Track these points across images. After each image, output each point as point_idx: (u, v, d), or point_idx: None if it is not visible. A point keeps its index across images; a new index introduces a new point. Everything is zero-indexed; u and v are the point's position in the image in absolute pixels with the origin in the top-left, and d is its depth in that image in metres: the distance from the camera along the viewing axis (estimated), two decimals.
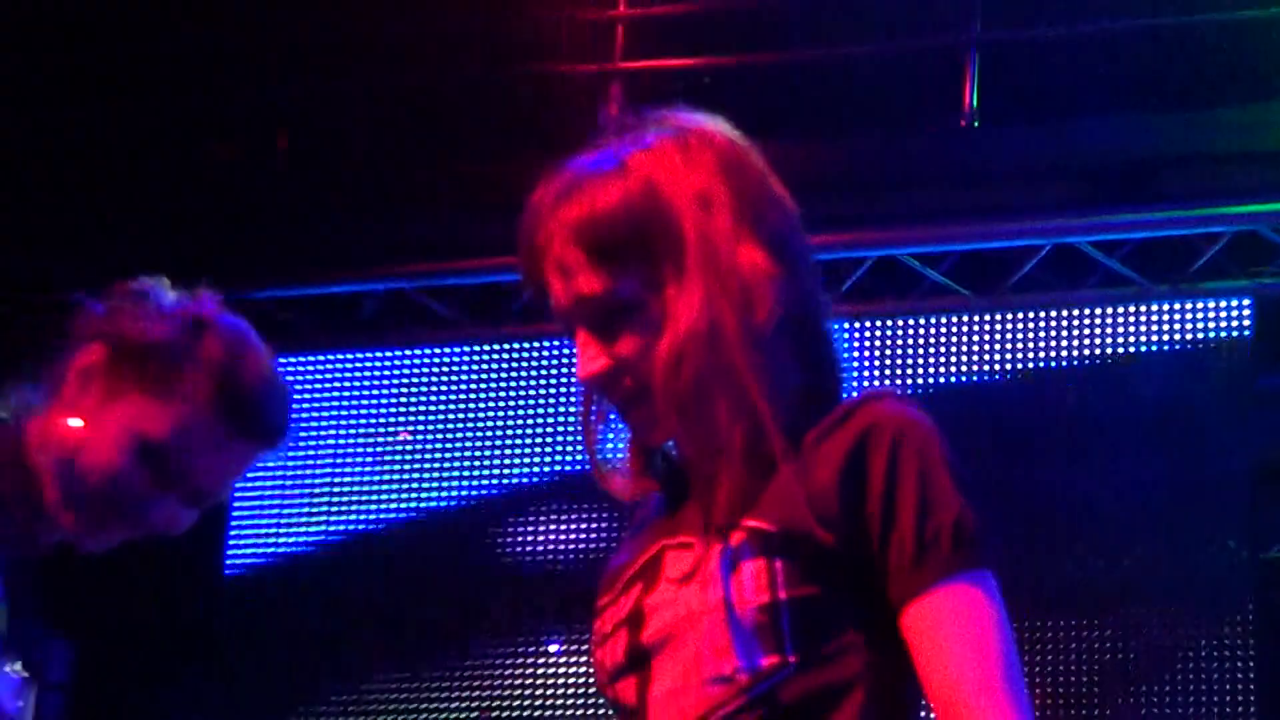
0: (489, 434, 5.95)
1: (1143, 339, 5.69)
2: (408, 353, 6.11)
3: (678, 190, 2.09)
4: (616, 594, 2.18)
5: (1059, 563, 5.47)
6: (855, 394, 2.14)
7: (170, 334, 2.58)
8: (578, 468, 5.56)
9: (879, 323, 5.88)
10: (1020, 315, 5.80)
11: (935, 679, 1.99)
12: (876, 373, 5.88)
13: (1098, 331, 5.71)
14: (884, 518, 2.02)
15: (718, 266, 2.08)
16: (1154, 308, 5.68)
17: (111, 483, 2.54)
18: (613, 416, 2.16)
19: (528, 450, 5.92)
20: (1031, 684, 4.75)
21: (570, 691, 5.77)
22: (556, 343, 5.93)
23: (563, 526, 5.95)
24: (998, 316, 5.81)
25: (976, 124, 5.65)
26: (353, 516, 6.05)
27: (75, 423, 2.58)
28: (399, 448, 6.03)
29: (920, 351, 5.88)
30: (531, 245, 2.11)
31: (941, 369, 5.84)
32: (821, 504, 2.03)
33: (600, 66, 5.87)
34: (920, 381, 5.85)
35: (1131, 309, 5.69)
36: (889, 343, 5.91)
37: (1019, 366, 5.83)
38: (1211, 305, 5.62)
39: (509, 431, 5.93)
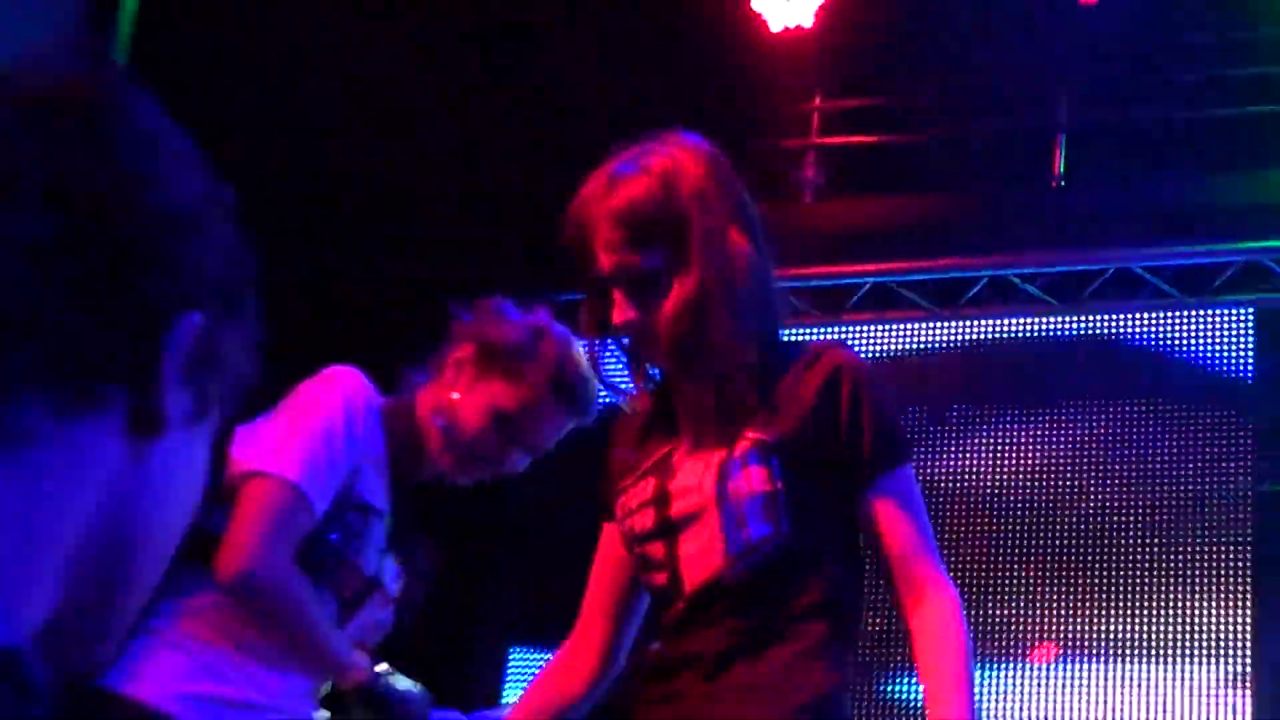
0: None
1: (1177, 335, 6.39)
2: None
3: (684, 187, 2.34)
4: (634, 480, 2.46)
5: (1115, 470, 6.28)
6: (816, 341, 2.54)
7: (520, 337, 2.96)
8: None
9: (991, 323, 6.66)
10: (1091, 318, 6.50)
11: (892, 537, 2.35)
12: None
13: (1148, 329, 6.44)
14: (849, 431, 2.36)
15: (711, 250, 2.33)
16: (1186, 314, 6.37)
17: (476, 439, 2.95)
18: (612, 349, 2.48)
19: None
20: None
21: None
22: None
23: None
24: (1076, 318, 6.53)
25: (1063, 183, 6.48)
26: None
27: (455, 396, 2.97)
28: None
29: (1020, 343, 6.61)
30: (581, 227, 2.38)
31: (1033, 356, 6.58)
32: (804, 421, 2.35)
33: (800, 141, 6.76)
34: (1018, 365, 6.55)
35: (1170, 314, 6.40)
36: (999, 337, 6.62)
37: (1092, 354, 6.50)
38: (1226, 313, 6.34)
39: None
